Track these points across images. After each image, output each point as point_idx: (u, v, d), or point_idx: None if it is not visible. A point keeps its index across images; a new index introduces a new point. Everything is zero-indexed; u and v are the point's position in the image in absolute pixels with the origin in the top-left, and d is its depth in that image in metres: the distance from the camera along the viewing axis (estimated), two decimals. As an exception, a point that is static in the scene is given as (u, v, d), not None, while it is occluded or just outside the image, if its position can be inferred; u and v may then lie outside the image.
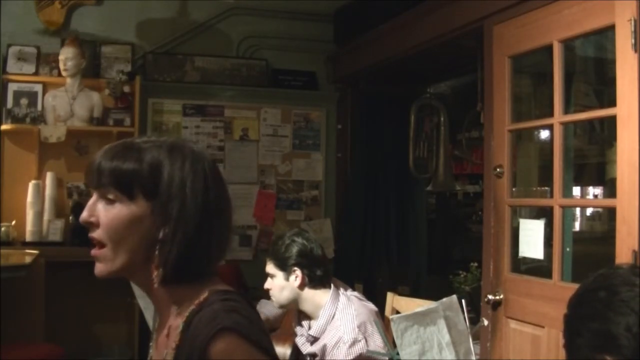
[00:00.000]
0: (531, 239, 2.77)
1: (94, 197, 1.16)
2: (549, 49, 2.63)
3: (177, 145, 1.18)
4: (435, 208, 6.22)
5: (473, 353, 1.98)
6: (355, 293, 2.47)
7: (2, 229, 4.12)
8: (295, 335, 2.50)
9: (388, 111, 4.91)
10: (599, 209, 4.16)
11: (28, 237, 4.20)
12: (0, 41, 4.27)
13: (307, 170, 4.97)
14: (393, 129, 4.86)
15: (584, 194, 4.00)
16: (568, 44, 2.65)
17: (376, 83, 4.92)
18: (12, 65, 4.34)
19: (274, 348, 1.13)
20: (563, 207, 2.61)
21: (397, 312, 2.60)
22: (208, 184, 1.16)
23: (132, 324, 4.30)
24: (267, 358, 1.07)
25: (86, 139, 4.42)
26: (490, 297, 2.88)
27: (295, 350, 2.52)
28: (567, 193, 2.75)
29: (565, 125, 2.64)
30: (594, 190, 4.06)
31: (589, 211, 4.36)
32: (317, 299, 2.38)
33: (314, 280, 2.38)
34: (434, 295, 2.30)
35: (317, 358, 2.35)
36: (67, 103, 4.31)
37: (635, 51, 2.19)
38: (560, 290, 2.48)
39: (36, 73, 4.37)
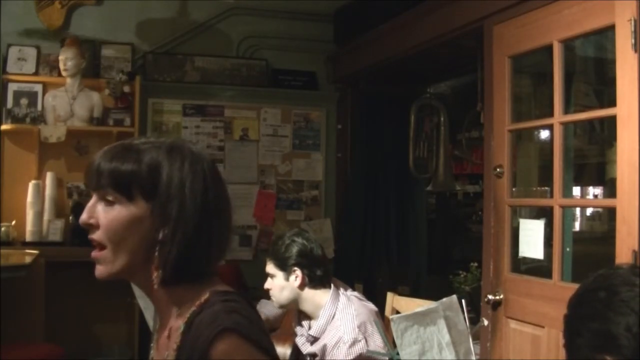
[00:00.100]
0: (531, 239, 2.77)
1: (94, 198, 1.16)
2: (549, 49, 2.63)
3: (176, 145, 1.18)
4: (435, 208, 6.22)
5: (473, 353, 1.98)
6: (355, 293, 2.47)
7: (2, 229, 4.12)
8: (295, 335, 2.50)
9: (388, 111, 4.91)
10: (599, 209, 4.16)
11: (28, 237, 4.20)
12: (0, 41, 4.27)
13: (307, 170, 4.97)
14: (393, 129, 4.86)
15: (584, 194, 4.00)
16: (568, 44, 2.65)
17: (376, 83, 4.92)
18: (12, 65, 4.34)
19: (275, 348, 1.13)
20: (563, 207, 2.61)
21: (397, 312, 2.60)
22: (207, 184, 1.16)
23: (132, 324, 4.30)
24: (268, 358, 1.07)
25: (86, 139, 4.43)
26: (490, 297, 2.88)
27: (295, 350, 2.52)
28: (567, 193, 2.75)
29: (565, 125, 2.64)
30: (594, 190, 4.06)
31: (589, 211, 4.36)
32: (317, 299, 2.38)
33: (314, 280, 2.38)
34: (434, 295, 2.30)
35: (317, 358, 2.35)
36: (67, 103, 4.31)
37: (635, 51, 2.19)
38: (560, 290, 2.48)
39: (36, 73, 4.37)
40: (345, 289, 2.45)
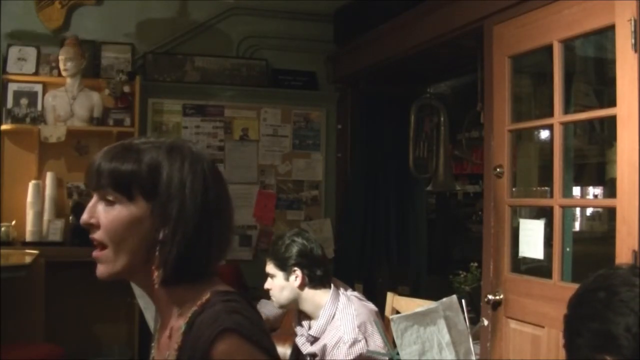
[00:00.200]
0: (531, 239, 2.77)
1: (94, 198, 1.16)
2: (549, 49, 2.63)
3: (176, 145, 1.18)
4: (435, 208, 6.22)
5: (473, 353, 1.98)
6: (355, 293, 2.47)
7: (2, 229, 4.12)
8: (295, 335, 2.50)
9: (388, 111, 4.91)
10: (599, 209, 4.16)
11: (28, 237, 4.20)
12: (0, 41, 4.27)
13: (307, 170, 4.97)
14: (393, 129, 4.86)
15: (584, 194, 4.00)
16: (568, 44, 2.65)
17: (376, 83, 4.92)
18: (12, 65, 4.34)
19: (276, 348, 1.13)
20: (563, 207, 2.61)
21: (397, 312, 2.60)
22: (207, 184, 1.16)
23: (132, 324, 4.30)
24: (269, 358, 1.07)
25: (86, 139, 4.43)
26: (490, 297, 2.88)
27: (296, 350, 2.52)
28: (567, 193, 2.75)
29: (565, 125, 2.64)
30: (594, 190, 4.06)
31: (589, 211, 4.36)
32: (317, 299, 2.38)
33: (314, 280, 2.38)
34: (434, 295, 2.30)
35: (317, 358, 2.35)
36: (67, 103, 4.31)
37: (635, 51, 2.19)
38: (560, 290, 2.48)
39: (36, 73, 4.37)
40: (345, 289, 2.45)
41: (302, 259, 2.37)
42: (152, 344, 1.27)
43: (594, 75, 3.29)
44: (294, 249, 2.38)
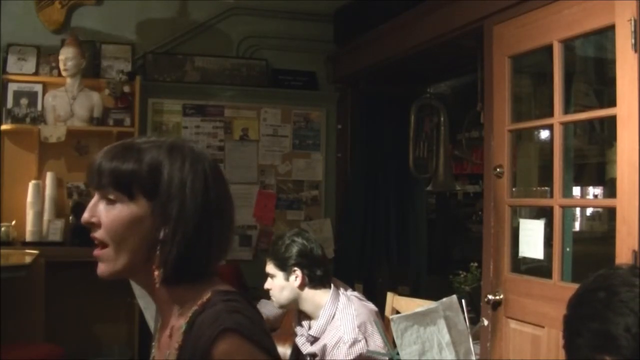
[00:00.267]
0: (531, 239, 2.77)
1: (95, 197, 1.16)
2: (549, 49, 2.63)
3: (177, 145, 1.18)
4: (435, 208, 6.22)
5: (473, 353, 1.98)
6: (355, 293, 2.47)
7: (2, 229, 4.12)
8: (295, 335, 2.50)
9: (388, 111, 4.91)
10: (599, 209, 4.16)
11: (28, 237, 4.20)
12: (0, 41, 4.27)
13: (307, 170, 4.97)
14: (393, 129, 4.86)
15: (584, 194, 4.00)
16: (568, 44, 2.65)
17: (376, 83, 4.92)
18: (12, 65, 4.34)
19: (276, 348, 1.13)
20: (563, 207, 2.61)
21: (397, 312, 2.60)
22: (208, 184, 1.16)
23: (132, 324, 4.30)
24: (269, 358, 1.07)
25: (86, 139, 4.43)
26: (490, 297, 2.88)
27: (296, 350, 2.52)
28: (567, 193, 2.76)
29: (565, 125, 2.64)
30: (594, 190, 4.06)
31: (589, 211, 4.36)
32: (317, 299, 2.38)
33: (314, 280, 2.39)
34: (434, 295, 2.30)
35: (317, 358, 2.35)
36: (67, 103, 4.31)
37: (635, 51, 2.19)
38: (560, 290, 2.48)
39: (36, 73, 4.37)
40: (345, 289, 2.45)
41: (302, 259, 2.37)
42: (153, 344, 1.27)
43: (594, 75, 3.29)
44: (294, 249, 2.38)
